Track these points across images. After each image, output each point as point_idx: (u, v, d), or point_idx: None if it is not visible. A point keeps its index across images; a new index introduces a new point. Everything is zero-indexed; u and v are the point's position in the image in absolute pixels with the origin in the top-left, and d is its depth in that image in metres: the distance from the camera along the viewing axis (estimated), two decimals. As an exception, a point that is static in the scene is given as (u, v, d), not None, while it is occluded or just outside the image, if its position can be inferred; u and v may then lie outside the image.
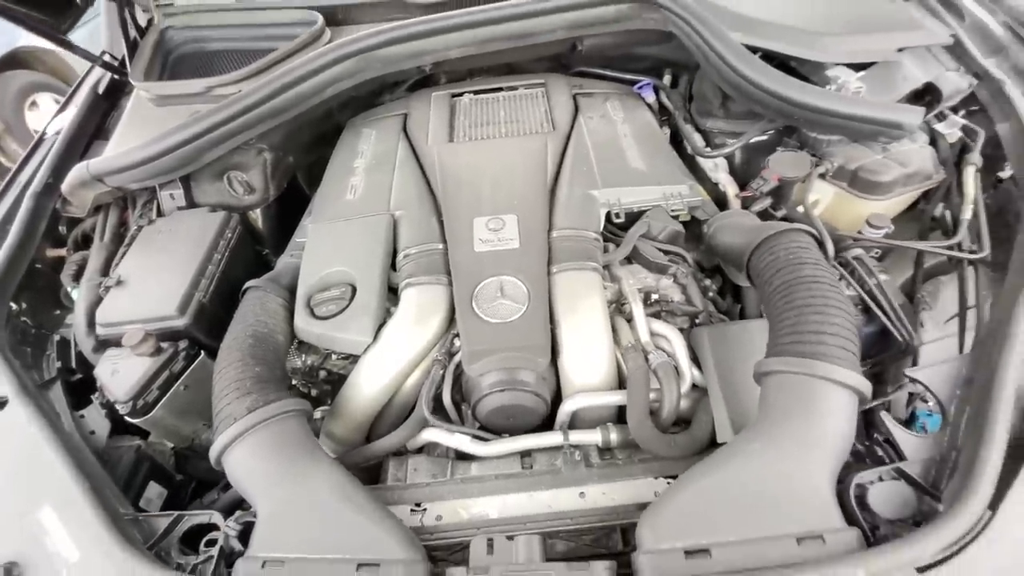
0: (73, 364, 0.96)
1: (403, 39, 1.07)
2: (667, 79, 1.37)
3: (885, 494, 0.62)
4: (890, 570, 0.53)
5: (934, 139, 0.99)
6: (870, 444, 0.72)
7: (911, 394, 0.88)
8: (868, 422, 0.74)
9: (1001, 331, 0.68)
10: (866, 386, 0.66)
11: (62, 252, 1.09)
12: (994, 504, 0.58)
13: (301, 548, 0.65)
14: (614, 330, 0.89)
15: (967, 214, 0.87)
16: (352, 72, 1.09)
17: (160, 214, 1.13)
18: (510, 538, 0.66)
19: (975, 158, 0.92)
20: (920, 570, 0.55)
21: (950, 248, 0.86)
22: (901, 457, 0.65)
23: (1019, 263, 0.75)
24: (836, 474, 0.62)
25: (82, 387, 0.95)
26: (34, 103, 3.68)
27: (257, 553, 0.65)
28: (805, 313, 0.72)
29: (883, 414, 0.69)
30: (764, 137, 1.11)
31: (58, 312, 1.06)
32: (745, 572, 0.55)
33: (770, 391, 0.69)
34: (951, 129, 0.98)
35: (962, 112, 1.01)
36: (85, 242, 1.12)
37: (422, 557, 0.64)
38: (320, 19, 1.16)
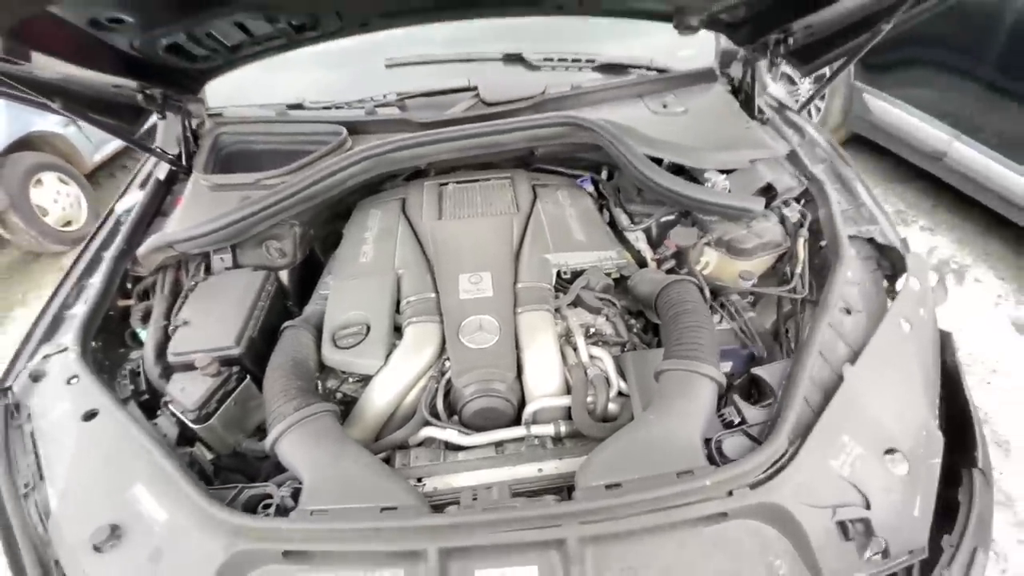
0: (142, 388, 1.21)
1: (407, 147, 1.46)
2: (604, 174, 1.80)
3: (733, 444, 0.94)
4: (726, 481, 0.84)
5: (783, 219, 1.41)
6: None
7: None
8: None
9: (808, 342, 1.05)
10: (721, 377, 1.00)
11: (128, 303, 1.36)
12: (799, 445, 0.90)
13: (338, 501, 0.90)
14: (563, 353, 1.22)
15: (799, 269, 1.27)
16: (368, 169, 1.46)
17: (208, 273, 1.43)
18: (487, 490, 0.94)
19: (804, 233, 1.33)
20: (752, 486, 0.86)
21: (789, 291, 1.25)
22: (745, 422, 0.98)
23: (823, 300, 1.13)
24: (703, 433, 0.94)
25: (147, 407, 1.19)
26: (39, 181, 3.98)
27: (306, 506, 0.91)
28: (685, 332, 1.07)
29: (734, 396, 1.02)
30: (670, 217, 1.52)
31: (122, 350, 1.31)
32: (643, 494, 0.85)
33: (663, 382, 1.02)
34: (793, 213, 1.41)
35: (802, 201, 1.45)
36: (146, 295, 1.40)
37: (426, 503, 0.91)
38: (344, 131, 1.55)
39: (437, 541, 0.82)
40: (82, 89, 1.29)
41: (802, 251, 1.30)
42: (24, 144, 3.90)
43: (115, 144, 4.73)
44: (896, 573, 0.83)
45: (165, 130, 1.79)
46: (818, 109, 3.96)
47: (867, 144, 3.81)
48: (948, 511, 0.94)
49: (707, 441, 0.95)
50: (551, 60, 1.82)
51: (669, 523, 0.83)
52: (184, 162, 1.65)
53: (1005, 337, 2.50)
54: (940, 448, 0.94)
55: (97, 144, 4.54)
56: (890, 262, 1.25)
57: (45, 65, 1.10)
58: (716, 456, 0.93)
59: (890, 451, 0.91)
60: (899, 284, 1.21)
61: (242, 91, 1.82)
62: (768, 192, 1.38)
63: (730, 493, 0.84)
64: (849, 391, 0.96)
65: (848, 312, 1.13)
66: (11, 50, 1.03)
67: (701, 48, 1.86)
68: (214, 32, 1.27)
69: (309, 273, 1.59)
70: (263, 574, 0.85)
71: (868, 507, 0.85)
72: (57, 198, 4.04)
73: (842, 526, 0.84)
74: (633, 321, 1.36)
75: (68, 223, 4.12)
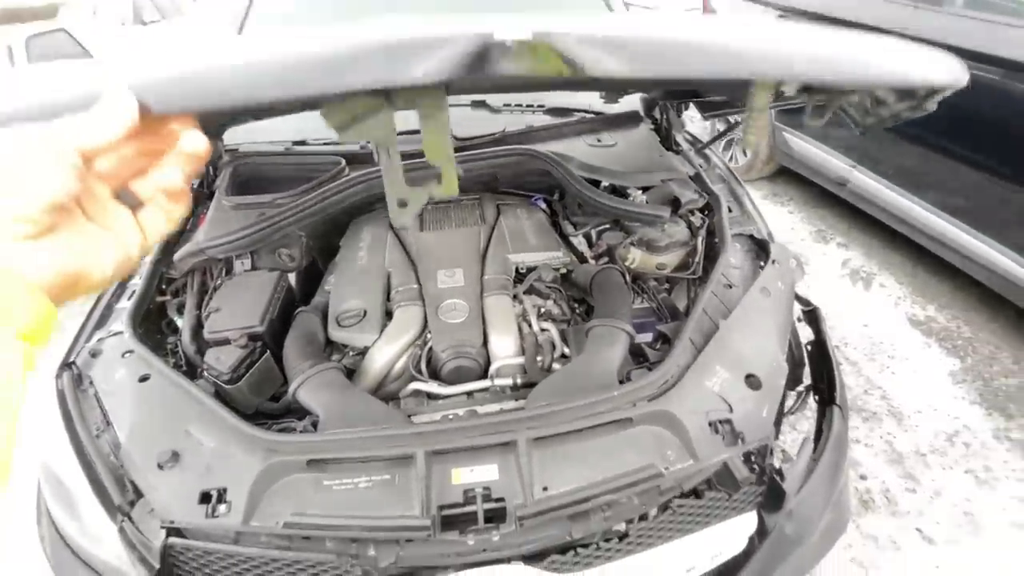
0: (180, 363, 1.49)
1: (394, 173, 1.84)
2: (557, 195, 2.20)
3: (639, 375, 1.28)
4: (630, 393, 1.18)
5: (689, 224, 1.82)
6: None
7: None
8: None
9: (695, 303, 1.42)
10: (632, 331, 1.36)
11: (164, 298, 1.66)
12: (684, 372, 1.25)
13: (348, 427, 1.21)
14: (520, 327, 1.56)
15: (697, 258, 1.67)
16: (361, 191, 1.82)
17: (230, 274, 1.74)
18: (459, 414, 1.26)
19: (703, 233, 1.74)
20: (649, 399, 1.20)
21: (689, 275, 1.64)
22: (648, 359, 1.33)
23: (710, 277, 1.50)
24: (618, 368, 1.29)
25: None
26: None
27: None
28: (607, 302, 1.44)
29: (642, 344, 1.38)
30: (606, 225, 1.92)
31: (159, 336, 1.60)
32: (571, 404, 1.18)
33: (589, 336, 1.37)
34: (696, 219, 1.82)
35: (705, 211, 1.87)
36: (177, 293, 1.70)
37: (415, 425, 1.22)
38: (343, 161, 1.92)
39: (424, 445, 1.13)
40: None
41: (700, 246, 1.70)
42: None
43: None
44: (751, 453, 1.18)
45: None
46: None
47: (794, 175, 4.38)
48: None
49: (620, 382, 1.30)
50: (509, 105, 2.25)
51: (590, 427, 1.16)
52: (206, 188, 1.98)
53: (902, 330, 2.96)
54: (785, 373, 1.31)
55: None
56: (764, 252, 1.66)
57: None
58: (626, 381, 1.27)
59: (749, 375, 1.28)
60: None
61: (250, 130, 2.18)
62: (675, 203, 1.79)
63: (634, 404, 1.19)
64: (722, 336, 1.33)
65: (729, 286, 1.52)
66: None
67: (630, 96, 2.32)
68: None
69: (311, 278, 1.91)
70: (290, 480, 1.14)
71: (731, 412, 1.21)
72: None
73: (712, 425, 1.18)
74: (576, 306, 1.72)
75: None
